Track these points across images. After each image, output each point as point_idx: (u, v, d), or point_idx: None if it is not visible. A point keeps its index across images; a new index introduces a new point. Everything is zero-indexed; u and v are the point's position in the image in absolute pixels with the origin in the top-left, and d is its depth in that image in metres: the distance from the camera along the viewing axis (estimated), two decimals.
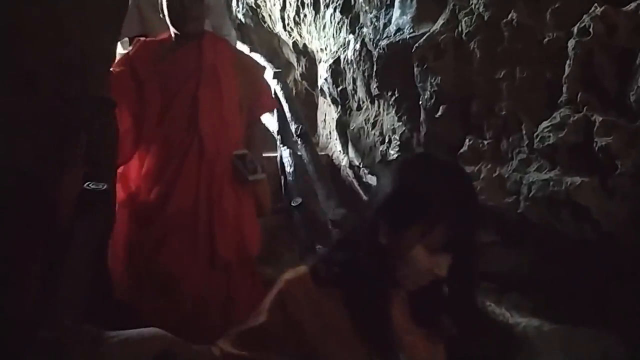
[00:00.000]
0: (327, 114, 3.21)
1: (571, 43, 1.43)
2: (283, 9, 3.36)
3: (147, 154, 1.76)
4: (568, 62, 1.44)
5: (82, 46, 1.21)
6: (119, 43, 2.38)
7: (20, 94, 1.12)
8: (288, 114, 2.77)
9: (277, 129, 2.91)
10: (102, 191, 1.79)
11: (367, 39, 2.39)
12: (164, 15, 1.81)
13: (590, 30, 1.38)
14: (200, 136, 1.72)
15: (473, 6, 1.74)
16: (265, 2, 3.69)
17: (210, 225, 1.69)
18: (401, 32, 2.09)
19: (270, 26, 3.77)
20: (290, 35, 3.45)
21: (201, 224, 1.69)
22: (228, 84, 1.80)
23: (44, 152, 1.22)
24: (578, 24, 1.42)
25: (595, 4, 1.39)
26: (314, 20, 2.99)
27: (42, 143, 1.21)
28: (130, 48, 1.88)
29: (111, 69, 1.57)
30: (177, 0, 1.74)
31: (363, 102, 2.58)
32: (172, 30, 1.83)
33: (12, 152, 1.14)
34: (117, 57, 1.73)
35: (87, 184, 1.74)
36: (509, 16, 1.61)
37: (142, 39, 1.88)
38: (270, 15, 3.71)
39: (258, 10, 3.82)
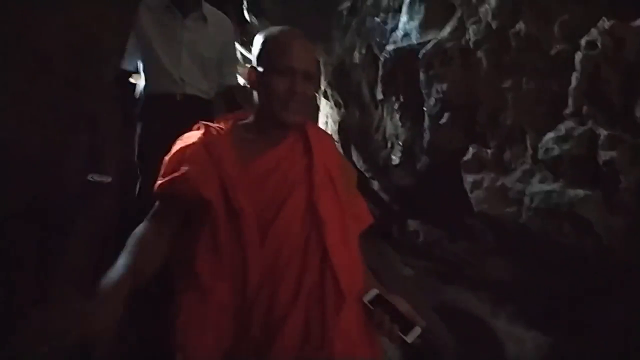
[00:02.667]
0: (330, 116, 3.20)
1: (578, 56, 1.43)
2: (289, 9, 3.35)
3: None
4: (575, 74, 1.45)
5: (96, 33, 1.21)
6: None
7: (37, 84, 1.12)
8: None
9: None
10: (105, 184, 1.79)
11: (373, 43, 2.39)
12: (256, 91, 1.29)
13: (598, 43, 1.38)
14: (332, 268, 1.17)
15: (481, 15, 1.74)
16: (271, 2, 3.69)
17: None
18: (408, 37, 2.09)
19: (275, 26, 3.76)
20: None
21: None
22: (342, 193, 1.29)
23: (51, 136, 1.23)
24: (586, 37, 1.42)
25: (604, 18, 1.39)
26: (320, 21, 2.99)
27: (50, 127, 1.21)
28: (196, 135, 1.30)
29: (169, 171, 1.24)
30: (288, 79, 1.21)
31: (367, 106, 2.58)
32: (264, 115, 1.28)
33: (20, 133, 1.15)
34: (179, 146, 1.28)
35: (90, 176, 1.75)
36: (517, 26, 1.61)
37: (210, 125, 1.32)
38: (274, 15, 3.71)
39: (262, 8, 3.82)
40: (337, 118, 2.96)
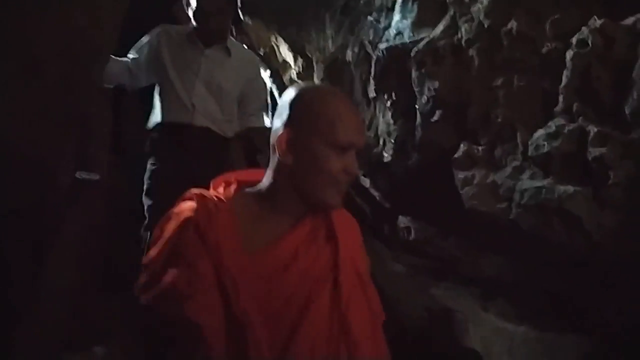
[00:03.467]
0: None
1: (569, 54, 1.45)
2: (282, 8, 3.35)
3: None
4: (565, 72, 1.46)
5: (88, 38, 1.21)
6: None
7: (27, 82, 1.11)
8: None
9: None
10: (94, 181, 1.78)
11: (366, 42, 2.40)
12: (285, 158, 1.01)
13: (589, 42, 1.40)
14: None
15: (473, 13, 1.75)
16: (265, 1, 3.69)
17: None
18: (401, 36, 2.10)
19: (269, 24, 3.77)
20: (288, 35, 3.45)
21: None
22: (371, 293, 1.07)
23: (43, 137, 1.22)
24: (577, 36, 1.44)
25: (595, 17, 1.41)
26: (314, 20, 2.99)
27: (41, 128, 1.20)
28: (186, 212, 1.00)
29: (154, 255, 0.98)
30: (344, 157, 0.99)
31: (359, 104, 2.59)
32: (290, 189, 1.02)
33: (12, 134, 1.13)
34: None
35: (78, 173, 1.73)
36: (509, 25, 1.62)
37: (205, 195, 1.02)
38: (268, 14, 3.71)
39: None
40: None
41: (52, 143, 1.33)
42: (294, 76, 3.69)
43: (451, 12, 1.86)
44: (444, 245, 2.05)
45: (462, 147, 1.84)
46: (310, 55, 3.31)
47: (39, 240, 1.47)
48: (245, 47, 2.39)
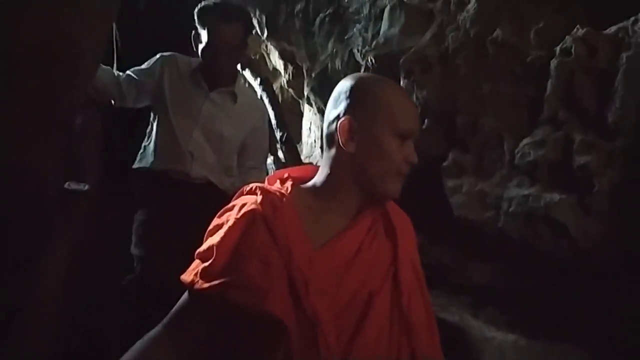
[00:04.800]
0: (313, 122, 3.22)
1: (553, 63, 1.47)
2: (272, 16, 3.37)
3: None
4: (550, 81, 1.48)
5: (73, 42, 1.20)
6: None
7: (9, 85, 1.11)
8: (273, 121, 2.76)
9: None
10: (83, 192, 1.77)
11: (355, 50, 2.41)
12: (347, 148, 0.99)
13: (572, 51, 1.41)
14: None
15: (459, 22, 1.77)
16: (254, 8, 3.70)
17: None
18: (389, 44, 2.11)
19: (259, 32, 3.78)
20: (278, 43, 3.46)
21: None
22: (427, 294, 1.07)
23: (29, 144, 1.21)
24: (560, 45, 1.46)
25: (578, 26, 1.43)
26: (303, 28, 3.01)
27: (27, 135, 1.20)
28: (251, 204, 0.98)
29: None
30: (406, 146, 1.01)
31: None
32: (350, 180, 1.01)
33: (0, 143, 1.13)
34: None
35: (67, 183, 1.72)
36: (494, 34, 1.64)
37: (268, 189, 1.01)
38: (258, 22, 3.72)
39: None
40: (320, 124, 2.97)
41: (36, 149, 1.32)
42: (284, 84, 3.70)
43: (438, 21, 1.88)
44: (434, 253, 2.05)
45: (451, 155, 1.85)
46: (300, 64, 3.32)
47: (25, 251, 1.46)
48: (253, 92, 2.21)
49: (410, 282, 1.00)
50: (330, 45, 2.72)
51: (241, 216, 0.95)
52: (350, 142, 0.97)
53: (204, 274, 0.92)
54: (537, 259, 1.60)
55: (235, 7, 1.99)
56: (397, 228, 1.04)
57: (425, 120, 1.92)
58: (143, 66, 2.13)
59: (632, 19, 1.32)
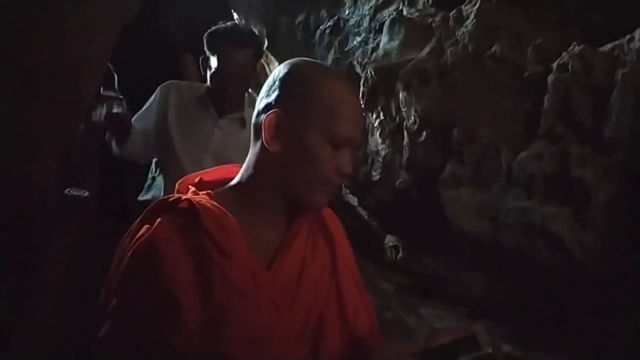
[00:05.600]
0: None
1: (550, 78, 1.49)
2: (272, 26, 3.40)
3: None
4: (547, 96, 1.50)
5: (78, 53, 1.22)
6: None
7: (12, 95, 1.12)
8: None
9: None
10: (83, 198, 1.78)
11: (354, 62, 2.44)
12: (272, 145, 0.89)
13: (569, 67, 1.44)
14: None
15: (458, 37, 1.80)
16: (255, 19, 3.73)
17: None
18: (388, 57, 2.14)
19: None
20: (279, 53, 3.49)
21: None
22: (366, 297, 1.02)
23: (33, 154, 1.22)
24: (557, 61, 1.49)
25: (575, 43, 1.46)
26: (304, 40, 3.04)
27: (32, 145, 1.21)
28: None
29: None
30: (339, 154, 0.89)
31: None
32: (275, 184, 0.90)
33: (2, 151, 1.14)
34: None
35: (67, 190, 1.73)
36: (493, 49, 1.67)
37: (192, 200, 0.85)
38: (258, 32, 3.75)
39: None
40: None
41: (38, 158, 1.33)
42: None
43: (437, 36, 1.91)
44: (431, 264, 2.06)
45: (449, 167, 1.87)
46: None
47: (24, 258, 1.46)
48: None
49: (353, 296, 0.92)
50: (330, 56, 2.75)
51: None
52: (275, 140, 0.84)
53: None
54: (534, 271, 1.61)
55: (246, 32, 1.97)
56: (335, 235, 0.94)
57: (424, 132, 1.94)
58: (148, 102, 2.03)
59: (628, 37, 1.35)
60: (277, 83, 0.86)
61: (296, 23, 3.07)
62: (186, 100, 1.98)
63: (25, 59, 1.15)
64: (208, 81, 1.96)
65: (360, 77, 2.35)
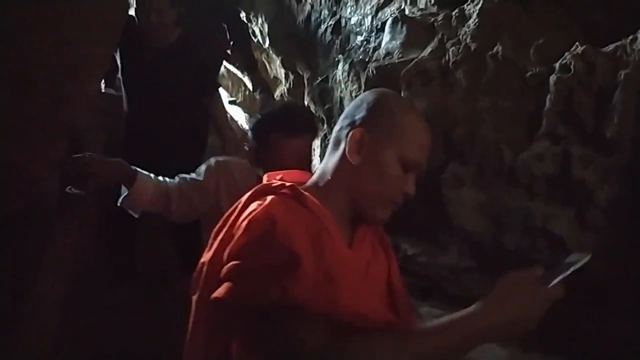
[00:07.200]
0: None
1: (552, 78, 1.49)
2: (274, 25, 3.40)
3: None
4: (549, 96, 1.50)
5: (80, 50, 1.22)
6: None
7: (13, 92, 1.12)
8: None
9: None
10: (84, 195, 1.78)
11: (356, 61, 2.44)
12: (352, 159, 0.95)
13: (571, 67, 1.44)
14: None
15: (460, 37, 1.80)
16: (256, 17, 3.73)
17: None
18: (390, 56, 2.14)
19: (260, 41, 3.81)
20: (279, 51, 3.49)
21: None
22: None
23: (35, 150, 1.22)
24: (560, 61, 1.48)
25: (577, 43, 1.45)
26: (305, 38, 3.04)
27: (33, 142, 1.21)
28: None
29: None
30: (406, 178, 0.96)
31: None
32: (347, 193, 0.97)
33: (4, 148, 1.14)
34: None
35: (68, 187, 1.73)
36: (495, 49, 1.67)
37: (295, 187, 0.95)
38: (260, 31, 3.75)
39: (249, 24, 3.86)
40: (319, 134, 2.99)
41: (39, 155, 1.33)
42: (285, 92, 3.73)
43: (439, 35, 1.90)
44: (432, 264, 2.06)
45: (450, 166, 1.87)
46: (301, 73, 3.35)
47: (25, 254, 1.46)
48: None
49: (405, 307, 0.98)
50: (331, 55, 2.75)
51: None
52: (356, 154, 0.94)
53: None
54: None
55: (304, 117, 1.73)
56: (388, 248, 1.01)
57: None
58: (193, 175, 1.78)
59: (630, 37, 1.34)
60: (364, 105, 0.97)
61: (298, 21, 3.07)
62: (238, 181, 1.70)
63: (23, 53, 1.15)
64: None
65: (361, 76, 2.35)
